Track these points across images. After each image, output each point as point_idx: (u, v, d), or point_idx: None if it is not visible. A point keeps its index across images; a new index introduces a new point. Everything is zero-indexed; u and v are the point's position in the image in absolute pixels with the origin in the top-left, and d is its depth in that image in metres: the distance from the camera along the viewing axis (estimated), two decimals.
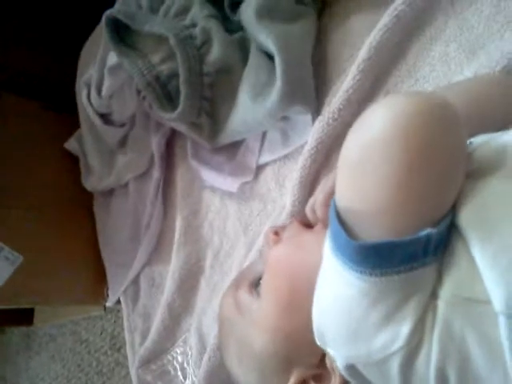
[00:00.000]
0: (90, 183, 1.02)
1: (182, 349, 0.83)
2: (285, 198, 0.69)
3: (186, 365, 0.82)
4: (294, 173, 0.67)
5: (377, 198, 0.33)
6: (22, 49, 1.02)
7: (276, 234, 0.54)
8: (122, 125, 0.93)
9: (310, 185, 0.65)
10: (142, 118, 0.91)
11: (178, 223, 0.84)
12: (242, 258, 0.73)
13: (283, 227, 0.57)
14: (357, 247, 0.33)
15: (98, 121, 0.93)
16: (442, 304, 0.33)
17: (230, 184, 0.73)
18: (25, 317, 1.26)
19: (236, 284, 0.53)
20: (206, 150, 0.79)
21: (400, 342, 0.34)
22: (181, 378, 0.83)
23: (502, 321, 0.30)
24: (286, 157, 0.70)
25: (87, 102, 0.93)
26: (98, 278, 0.99)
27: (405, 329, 0.33)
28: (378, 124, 0.33)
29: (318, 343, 0.40)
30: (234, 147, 0.76)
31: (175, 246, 0.84)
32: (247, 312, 0.48)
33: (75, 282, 0.99)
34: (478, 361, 0.32)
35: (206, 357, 0.73)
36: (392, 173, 0.32)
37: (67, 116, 1.09)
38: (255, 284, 0.50)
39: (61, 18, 1.05)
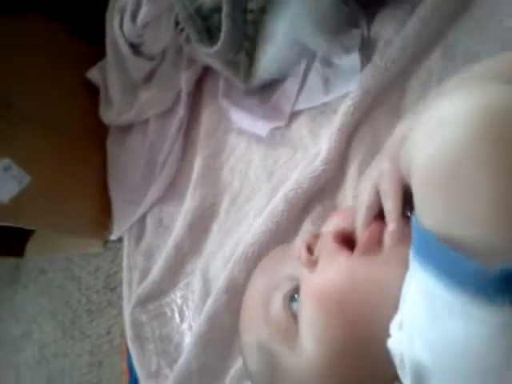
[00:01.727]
0: (108, 116, 0.98)
1: (182, 292, 0.81)
2: (318, 147, 0.66)
3: (185, 308, 0.80)
4: (331, 121, 0.64)
5: (488, 216, 0.27)
6: None
7: (309, 250, 0.45)
8: (152, 58, 0.90)
9: (349, 134, 0.62)
10: (174, 53, 0.87)
11: (197, 163, 0.81)
12: (264, 204, 0.71)
13: (315, 240, 0.47)
14: (487, 274, 0.27)
15: (127, 50, 0.90)
16: None
17: (261, 127, 0.71)
18: (16, 248, 1.24)
19: (268, 291, 0.46)
20: (238, 91, 0.76)
21: None
22: (177, 321, 0.81)
23: None
24: (324, 105, 0.67)
25: (119, 28, 0.89)
26: (103, 213, 0.96)
27: None
28: (463, 125, 0.27)
29: None
30: (270, 90, 0.74)
31: (191, 187, 0.81)
32: (282, 332, 0.42)
33: (79, 213, 0.96)
34: None
35: (210, 299, 0.71)
36: (496, 181, 0.27)
37: (91, 45, 1.05)
38: (290, 298, 0.43)
39: None
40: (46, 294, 1.20)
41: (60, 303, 1.15)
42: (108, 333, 1.01)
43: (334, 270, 0.42)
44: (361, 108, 0.61)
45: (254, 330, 0.46)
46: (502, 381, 0.28)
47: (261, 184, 0.73)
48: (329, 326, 0.38)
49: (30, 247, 1.23)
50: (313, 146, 0.68)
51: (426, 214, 0.30)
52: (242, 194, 0.75)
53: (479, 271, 0.27)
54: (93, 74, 1.00)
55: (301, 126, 0.70)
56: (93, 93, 1.02)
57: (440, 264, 0.29)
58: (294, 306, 0.42)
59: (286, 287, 0.44)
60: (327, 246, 0.45)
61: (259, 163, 0.74)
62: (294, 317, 0.41)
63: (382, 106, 0.61)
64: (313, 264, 0.44)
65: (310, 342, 0.39)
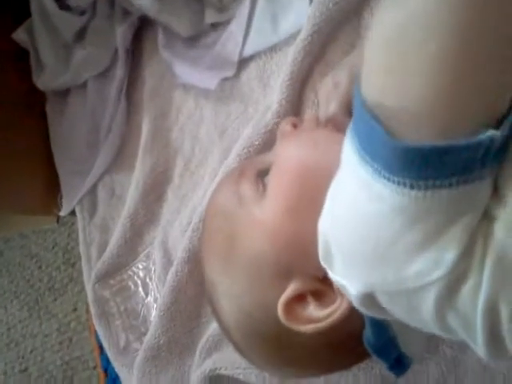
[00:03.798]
0: (42, 81, 0.90)
1: (144, 264, 0.77)
2: (269, 99, 0.61)
3: (148, 280, 0.76)
4: (282, 68, 0.59)
5: (423, 87, 0.25)
6: None
7: (294, 126, 0.46)
8: (82, 13, 0.81)
9: (301, 82, 0.57)
10: (105, 5, 0.79)
11: (145, 127, 0.75)
12: (217, 166, 0.66)
13: (301, 121, 0.49)
14: (399, 149, 0.26)
15: (52, 5, 0.80)
16: (499, 227, 0.26)
17: (208, 80, 0.64)
18: None
19: (240, 172, 0.45)
20: (180, 41, 0.69)
21: (442, 270, 0.27)
22: (142, 294, 0.77)
23: None
24: (273, 50, 0.61)
25: None
26: (51, 187, 0.89)
27: (449, 255, 0.27)
28: None
29: (323, 264, 0.33)
30: (214, 36, 0.67)
31: (140, 153, 0.75)
32: (249, 206, 0.40)
33: (24, 190, 0.89)
34: None
35: (172, 271, 0.68)
36: (445, 47, 0.24)
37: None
38: (263, 174, 0.42)
39: None
40: (5, 274, 1.14)
41: (21, 282, 1.10)
42: (74, 310, 0.97)
43: (311, 137, 0.44)
44: (312, 51, 0.56)
45: (220, 200, 0.45)
46: (390, 252, 0.28)
47: (213, 144, 0.67)
48: (287, 177, 0.39)
49: None
50: (263, 99, 0.62)
51: (365, 79, 0.28)
52: (194, 156, 0.70)
53: (390, 145, 0.26)
54: (19, 36, 0.91)
55: (250, 76, 0.64)
56: (25, 56, 0.93)
57: (360, 134, 0.29)
58: (266, 179, 0.42)
59: (261, 166, 0.44)
60: (309, 122, 0.48)
61: (210, 121, 0.68)
62: (264, 185, 0.41)
63: (336, 46, 0.55)
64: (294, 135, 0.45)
65: (271, 198, 0.39)
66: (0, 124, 0.87)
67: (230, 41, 0.66)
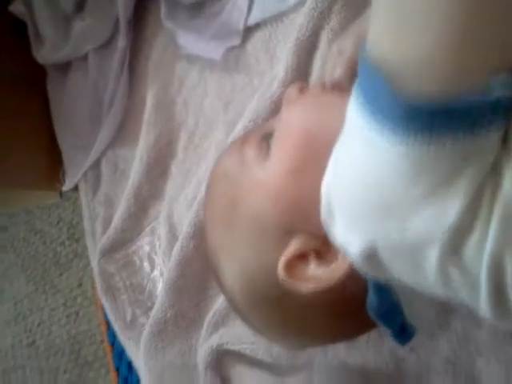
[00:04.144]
0: (42, 55, 0.88)
1: (149, 238, 0.77)
2: (275, 69, 0.59)
3: (153, 255, 0.76)
4: (288, 38, 0.57)
5: (427, 39, 0.25)
6: None
7: (300, 91, 0.45)
8: None
9: (307, 50, 0.55)
10: None
11: (148, 100, 0.73)
12: (223, 139, 0.65)
13: (307, 87, 0.47)
14: (402, 100, 0.25)
15: None
16: (507, 179, 0.26)
17: (213, 49, 0.63)
18: None
19: (244, 137, 0.44)
20: (183, 9, 0.67)
21: (446, 222, 0.26)
22: (147, 268, 0.77)
23: None
24: (278, 19, 0.60)
25: None
26: (54, 162, 0.88)
27: (455, 207, 0.26)
28: None
29: (324, 224, 0.33)
30: (219, 5, 0.65)
31: (144, 126, 0.74)
32: (252, 168, 0.40)
33: (27, 165, 0.88)
34: None
35: (177, 246, 0.67)
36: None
37: None
38: (267, 137, 0.41)
39: None
40: (11, 249, 1.15)
41: (27, 257, 1.11)
42: (79, 285, 0.97)
43: (316, 100, 0.43)
44: (318, 19, 0.54)
45: (223, 165, 0.45)
46: (395, 205, 0.28)
47: (217, 116, 0.66)
48: (290, 139, 0.39)
49: None
50: (269, 71, 0.61)
51: (372, 34, 0.28)
52: (198, 129, 0.69)
53: (395, 98, 0.25)
54: (16, 8, 0.88)
55: (256, 47, 0.63)
56: (23, 29, 0.90)
57: (365, 90, 0.28)
58: (270, 143, 0.42)
59: (265, 130, 0.43)
60: (316, 87, 0.47)
61: (214, 93, 0.67)
62: (268, 149, 0.41)
63: (341, 13, 0.53)
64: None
65: (274, 159, 0.39)
66: (2, 98, 0.86)
67: (235, 9, 0.64)
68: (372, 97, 0.28)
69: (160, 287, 0.74)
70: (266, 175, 0.39)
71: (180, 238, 0.66)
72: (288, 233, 0.38)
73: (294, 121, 0.41)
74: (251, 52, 0.63)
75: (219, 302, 0.65)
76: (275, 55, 0.60)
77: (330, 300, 0.37)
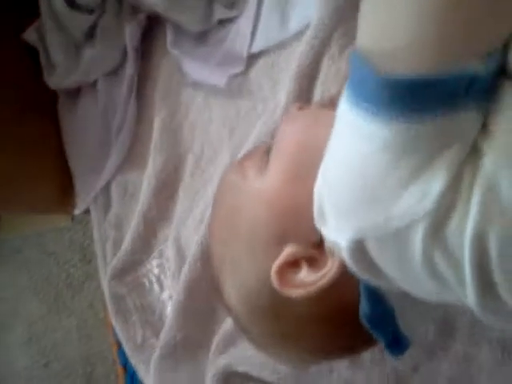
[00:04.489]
0: (53, 80, 0.90)
1: (158, 261, 0.78)
2: (279, 96, 0.61)
3: (162, 277, 0.77)
4: (291, 65, 0.58)
5: (409, 26, 0.27)
6: None
7: (300, 109, 0.47)
8: (91, 11, 0.81)
9: (309, 76, 0.57)
10: (115, 2, 0.79)
11: (156, 125, 0.75)
12: (227, 164, 0.66)
13: (308, 105, 0.51)
14: (385, 83, 0.27)
15: (61, 5, 0.81)
16: (488, 158, 0.27)
17: (218, 76, 0.64)
18: None
19: (247, 153, 0.48)
20: (189, 37, 0.69)
21: (429, 202, 0.28)
22: (157, 290, 0.78)
23: None
24: (281, 46, 0.61)
25: None
26: (65, 186, 0.90)
27: (436, 187, 0.27)
28: None
29: (317, 225, 0.35)
30: (223, 32, 0.67)
31: (151, 151, 0.76)
32: (251, 180, 0.43)
33: (39, 189, 0.90)
34: None
35: (185, 268, 0.68)
36: None
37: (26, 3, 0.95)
38: (267, 152, 0.43)
39: None
40: (24, 271, 1.17)
41: (40, 280, 1.13)
42: (91, 306, 0.98)
43: (312, 114, 0.46)
44: (319, 45, 0.55)
45: (227, 178, 0.47)
46: (379, 190, 0.29)
47: (222, 142, 0.67)
48: (287, 150, 0.41)
49: (1, 225, 1.18)
50: (273, 96, 0.62)
51: (359, 30, 0.30)
52: (204, 154, 0.70)
53: (377, 81, 0.28)
54: (29, 36, 0.91)
55: (259, 73, 0.64)
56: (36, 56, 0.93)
57: (353, 82, 0.30)
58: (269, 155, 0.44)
59: (266, 147, 0.45)
60: (314, 105, 0.52)
61: (219, 119, 0.68)
62: (267, 161, 0.42)
63: (342, 39, 0.55)
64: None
65: (271, 169, 0.41)
66: (12, 125, 0.88)
67: (239, 37, 0.65)
68: (357, 86, 0.30)
69: (169, 309, 0.75)
70: (263, 185, 0.41)
71: (187, 260, 0.67)
72: (281, 241, 0.39)
73: (288, 134, 0.43)
74: (254, 79, 0.64)
75: (227, 324, 0.66)
76: (278, 82, 0.62)
77: (323, 307, 0.38)
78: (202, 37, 0.70)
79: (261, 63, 0.63)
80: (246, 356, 0.62)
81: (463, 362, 0.48)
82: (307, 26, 0.56)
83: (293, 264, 0.38)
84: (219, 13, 0.68)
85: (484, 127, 0.28)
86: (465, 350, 0.48)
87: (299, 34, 0.58)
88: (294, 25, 0.59)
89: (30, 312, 1.15)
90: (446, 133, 0.27)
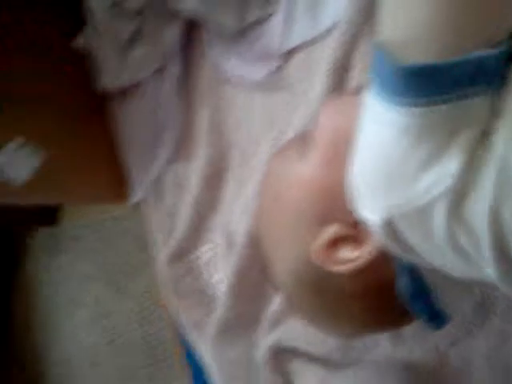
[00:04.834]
0: (102, 82, 0.97)
1: (208, 246, 0.84)
2: (315, 89, 0.64)
3: (213, 262, 0.83)
4: (325, 58, 0.62)
5: (420, 17, 0.30)
6: None
7: (335, 99, 0.53)
8: (135, 16, 0.87)
9: (340, 71, 0.60)
10: (157, 7, 0.84)
11: (201, 122, 0.80)
12: (270, 153, 0.70)
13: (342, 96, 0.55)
14: (401, 71, 0.30)
15: (107, 12, 0.86)
16: (498, 138, 0.30)
17: (255, 72, 0.69)
18: (48, 217, 1.28)
19: (289, 142, 0.53)
20: (226, 39, 0.73)
21: (447, 181, 0.31)
22: (208, 274, 0.84)
23: None
24: (315, 40, 0.64)
25: None
26: (120, 178, 0.97)
27: (452, 166, 0.30)
28: None
29: (353, 203, 0.38)
30: (258, 31, 0.71)
31: (199, 145, 0.81)
32: (293, 165, 0.46)
33: (97, 182, 0.97)
34: None
35: (234, 255, 0.74)
36: None
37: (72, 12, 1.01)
38: (307, 140, 0.47)
39: None
40: (83, 259, 1.25)
41: (98, 267, 1.21)
42: (148, 290, 1.06)
43: (350, 102, 0.47)
44: (349, 41, 0.59)
45: (271, 164, 0.52)
46: (402, 172, 0.32)
47: (264, 134, 0.72)
48: (326, 143, 0.44)
49: (61, 216, 1.27)
50: (310, 88, 0.66)
51: (381, 22, 0.32)
52: (248, 147, 0.75)
53: (394, 70, 0.30)
54: (78, 43, 0.98)
55: (296, 67, 0.68)
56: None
57: (375, 74, 0.33)
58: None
59: (305, 134, 0.48)
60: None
61: (260, 112, 0.73)
62: (308, 146, 0.46)
63: (371, 34, 0.58)
64: None
65: (310, 154, 0.45)
66: (71, 119, 0.96)
67: (274, 34, 0.69)
68: (377, 76, 0.33)
69: (221, 291, 0.81)
70: (304, 170, 0.45)
71: (237, 247, 0.73)
72: (323, 221, 0.42)
73: (325, 122, 0.46)
74: (292, 72, 0.68)
75: (276, 303, 0.72)
76: (313, 76, 0.65)
77: (366, 285, 0.42)
78: (238, 35, 0.74)
79: (296, 58, 0.67)
80: (295, 332, 0.67)
81: (500, 339, 0.51)
82: (338, 23, 0.59)
83: (334, 243, 0.42)
84: (254, 12, 0.72)
85: (495, 110, 0.30)
86: (502, 327, 0.51)
87: (331, 30, 0.62)
88: (325, 22, 0.62)
89: (94, 295, 1.24)
90: (459, 117, 0.30)
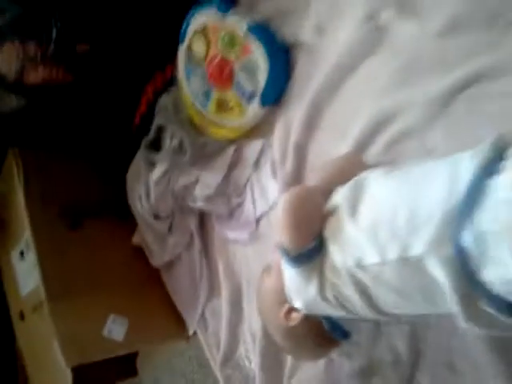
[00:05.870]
0: (154, 260, 1.51)
1: (244, 347, 1.30)
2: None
3: (250, 355, 1.28)
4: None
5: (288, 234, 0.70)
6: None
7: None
8: (167, 218, 1.43)
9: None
10: (179, 209, 1.40)
11: (220, 270, 1.32)
12: None
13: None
14: (290, 257, 0.69)
15: (150, 218, 1.43)
16: (327, 272, 0.66)
17: (244, 234, 1.22)
18: (130, 369, 1.74)
19: (264, 269, 0.89)
20: (223, 219, 1.28)
21: (314, 290, 0.67)
22: (248, 365, 1.29)
23: (344, 274, 0.64)
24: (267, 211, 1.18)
25: (140, 207, 1.44)
26: (178, 320, 1.47)
27: (314, 284, 0.67)
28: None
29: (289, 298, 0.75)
30: (239, 211, 1.26)
31: (221, 286, 1.32)
32: (264, 281, 0.85)
33: (164, 327, 1.47)
34: (348, 292, 0.65)
35: (258, 345, 1.19)
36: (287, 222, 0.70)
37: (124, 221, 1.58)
38: None
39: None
40: None
41: None
42: None
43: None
44: None
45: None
46: (300, 288, 0.71)
47: (258, 269, 1.22)
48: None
49: (139, 362, 1.73)
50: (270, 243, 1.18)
51: (283, 238, 0.73)
52: (250, 284, 1.25)
53: (288, 257, 0.72)
54: (136, 238, 1.54)
55: (264, 225, 1.20)
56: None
57: (281, 253, 0.73)
58: None
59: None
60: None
61: (252, 254, 1.24)
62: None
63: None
64: None
65: (273, 273, 0.82)
66: (138, 292, 1.48)
67: (248, 211, 1.23)
68: (284, 257, 0.70)
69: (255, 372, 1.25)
70: (269, 283, 0.83)
71: (257, 339, 1.19)
72: (281, 303, 0.77)
73: (276, 259, 0.79)
74: (263, 229, 1.20)
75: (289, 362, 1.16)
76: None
77: (308, 326, 0.77)
78: (229, 216, 1.28)
79: (263, 220, 1.20)
80: (307, 375, 1.10)
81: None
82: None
83: (288, 312, 0.76)
84: (234, 201, 1.27)
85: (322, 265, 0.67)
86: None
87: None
88: (270, 199, 1.16)
89: None
90: (311, 268, 0.67)
